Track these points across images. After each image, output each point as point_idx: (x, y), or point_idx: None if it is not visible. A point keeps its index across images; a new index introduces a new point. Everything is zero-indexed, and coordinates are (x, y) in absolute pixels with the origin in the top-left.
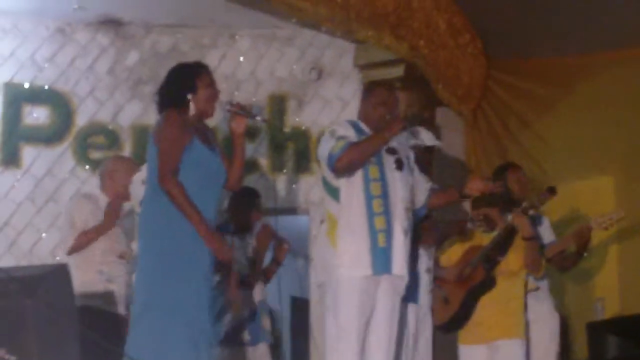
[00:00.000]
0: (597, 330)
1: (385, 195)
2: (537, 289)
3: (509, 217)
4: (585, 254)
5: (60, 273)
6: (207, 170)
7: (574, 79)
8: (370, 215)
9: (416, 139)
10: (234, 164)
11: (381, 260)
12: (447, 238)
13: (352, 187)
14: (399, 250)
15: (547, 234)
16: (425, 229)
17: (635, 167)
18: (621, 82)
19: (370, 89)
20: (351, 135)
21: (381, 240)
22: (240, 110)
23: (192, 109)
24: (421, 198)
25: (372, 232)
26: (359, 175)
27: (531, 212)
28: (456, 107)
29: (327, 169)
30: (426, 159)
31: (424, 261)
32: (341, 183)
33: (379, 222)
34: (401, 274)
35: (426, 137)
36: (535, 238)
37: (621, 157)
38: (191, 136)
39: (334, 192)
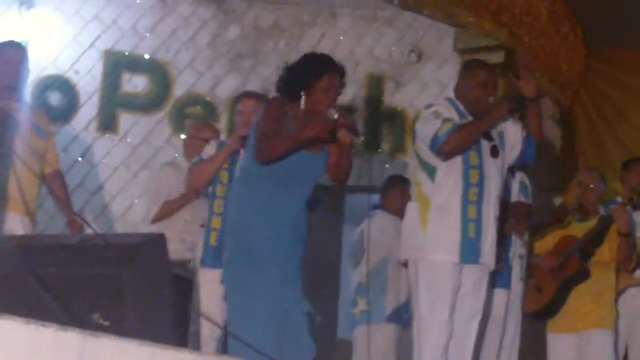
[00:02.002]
0: None
1: (481, 184)
2: None
3: (602, 209)
4: None
5: (157, 242)
6: (290, 166)
7: None
8: (465, 202)
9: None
10: (339, 165)
11: (469, 251)
12: (545, 226)
13: (451, 171)
14: (487, 240)
15: None
16: (517, 215)
17: None
18: None
19: (469, 67)
20: (454, 117)
21: (471, 230)
22: (347, 124)
23: (302, 104)
24: (516, 146)
25: (465, 221)
26: (459, 160)
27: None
28: (554, 96)
29: (429, 150)
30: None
31: (517, 247)
32: (440, 163)
33: (472, 212)
34: (488, 263)
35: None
36: (631, 234)
37: None
38: (285, 126)
39: (431, 172)
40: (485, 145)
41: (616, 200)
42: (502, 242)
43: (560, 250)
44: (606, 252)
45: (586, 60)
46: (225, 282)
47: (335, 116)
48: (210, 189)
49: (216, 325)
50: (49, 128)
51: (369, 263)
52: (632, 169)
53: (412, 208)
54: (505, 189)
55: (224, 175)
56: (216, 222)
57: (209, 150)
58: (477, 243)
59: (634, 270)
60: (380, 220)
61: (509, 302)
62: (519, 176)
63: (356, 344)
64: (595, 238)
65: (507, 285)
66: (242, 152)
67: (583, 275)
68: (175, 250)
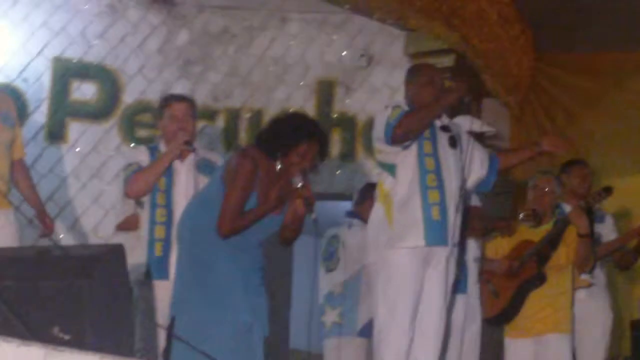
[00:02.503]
0: None
1: (438, 171)
2: (590, 285)
3: (558, 212)
4: None
5: (116, 253)
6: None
7: (622, 74)
8: (424, 188)
9: (465, 125)
10: (289, 228)
11: (435, 232)
12: (494, 232)
13: (407, 163)
14: (454, 223)
15: (608, 231)
16: (475, 219)
17: None
18: None
19: (413, 70)
20: (404, 106)
21: (435, 213)
22: (307, 201)
23: (278, 165)
24: (482, 169)
25: (426, 205)
26: (413, 151)
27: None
28: (503, 99)
29: (384, 141)
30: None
31: (473, 251)
32: (397, 159)
33: (433, 196)
34: (453, 247)
35: (477, 124)
36: (590, 235)
37: None
38: (253, 187)
39: (391, 169)
40: (443, 136)
41: (561, 205)
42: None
43: (517, 254)
44: (563, 255)
45: (536, 64)
46: (175, 303)
47: (299, 185)
48: (148, 198)
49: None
50: (15, 115)
51: (344, 273)
52: (572, 171)
53: (377, 209)
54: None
55: (162, 182)
56: (160, 232)
57: (141, 156)
58: (444, 225)
59: (591, 271)
60: (359, 231)
61: (468, 307)
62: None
63: (326, 356)
64: (552, 242)
65: (463, 290)
66: (189, 166)
67: (540, 279)
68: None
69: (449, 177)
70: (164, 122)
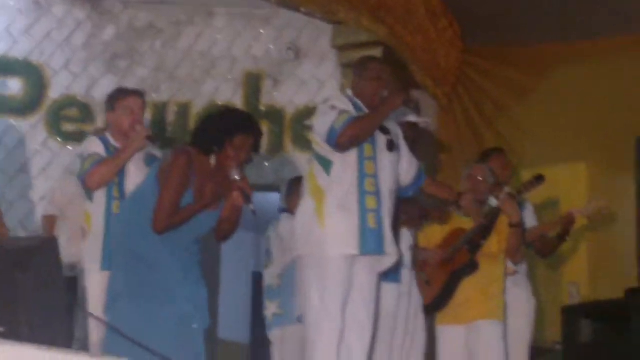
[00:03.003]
0: (572, 314)
1: (376, 175)
2: (514, 272)
3: (493, 201)
4: (566, 239)
5: (50, 245)
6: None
7: (550, 66)
8: (362, 193)
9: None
10: (226, 222)
11: (371, 241)
12: (427, 220)
13: (347, 164)
14: (388, 230)
15: (529, 219)
16: (408, 211)
17: (609, 154)
18: (597, 71)
19: (363, 63)
20: (351, 110)
21: (371, 220)
22: (245, 193)
23: (213, 161)
24: (408, 177)
25: (363, 211)
26: (353, 152)
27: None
28: (432, 91)
29: (324, 143)
30: (411, 136)
31: (406, 239)
32: (335, 158)
33: (370, 202)
34: (390, 253)
35: (413, 116)
36: (521, 225)
37: (595, 143)
38: (188, 184)
39: (326, 165)
40: (381, 138)
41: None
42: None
43: (449, 243)
44: (494, 244)
45: (463, 56)
46: (110, 297)
47: (237, 178)
48: (102, 191)
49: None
50: None
51: (279, 266)
52: (491, 159)
53: (306, 203)
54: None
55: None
56: None
57: (95, 147)
58: (380, 232)
59: (521, 262)
60: (287, 224)
61: (402, 295)
62: (416, 165)
63: (274, 346)
64: (484, 230)
65: (397, 279)
66: (138, 159)
67: (472, 267)
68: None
69: (385, 181)
70: (117, 115)
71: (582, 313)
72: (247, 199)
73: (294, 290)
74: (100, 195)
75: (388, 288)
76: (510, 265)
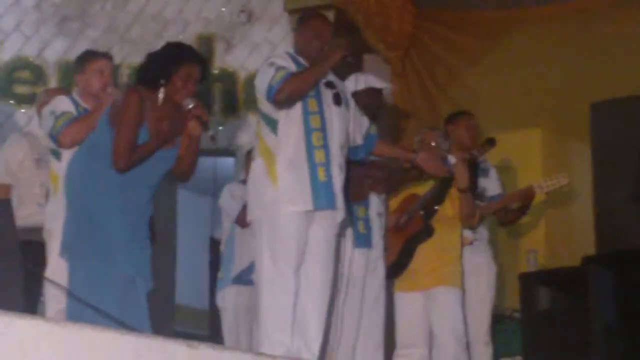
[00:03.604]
0: (529, 281)
1: (324, 129)
2: (471, 242)
3: (452, 159)
4: (526, 213)
5: (2, 208)
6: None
7: (504, 32)
8: (310, 148)
9: (366, 81)
10: (184, 159)
11: (322, 195)
12: (403, 184)
13: (291, 120)
14: (338, 185)
15: (493, 186)
16: (373, 174)
17: (562, 120)
18: (550, 36)
19: (303, 20)
20: (291, 67)
21: (321, 174)
22: (200, 118)
23: (161, 94)
24: (357, 137)
25: (312, 166)
26: (298, 108)
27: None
28: (384, 55)
29: (266, 101)
30: (376, 101)
31: (375, 205)
32: (280, 115)
33: (319, 156)
34: (340, 208)
35: (375, 80)
36: (471, 190)
37: (549, 109)
38: (142, 122)
39: (272, 124)
40: (327, 93)
41: (447, 158)
42: (362, 202)
43: (403, 209)
44: (449, 209)
45: (416, 20)
46: (63, 243)
47: (190, 106)
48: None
49: (61, 289)
50: None
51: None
52: (458, 122)
53: (257, 165)
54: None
55: None
56: None
57: (66, 106)
58: (330, 186)
59: (477, 228)
60: (231, 188)
61: (369, 261)
62: (367, 126)
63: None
64: (437, 195)
65: (367, 244)
66: None
67: (427, 232)
68: (31, 214)
69: (332, 135)
70: (87, 77)
71: (540, 280)
72: (204, 125)
73: (232, 254)
74: (69, 154)
75: (358, 252)
76: (466, 235)
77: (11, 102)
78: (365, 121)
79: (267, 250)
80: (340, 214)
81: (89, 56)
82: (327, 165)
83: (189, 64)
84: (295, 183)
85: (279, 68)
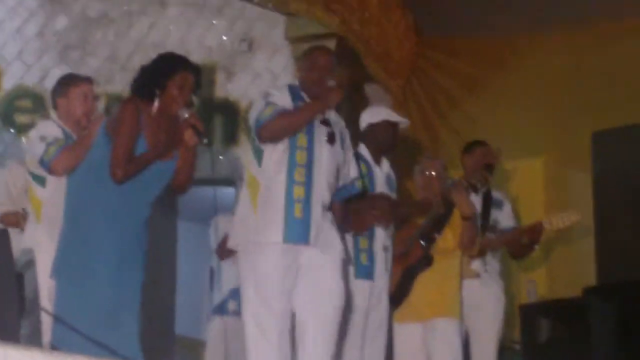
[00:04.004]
0: (529, 312)
1: (309, 166)
2: (479, 275)
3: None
4: (535, 248)
5: (0, 239)
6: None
7: (505, 59)
8: (290, 183)
9: (382, 115)
10: (181, 171)
11: (296, 230)
12: (411, 217)
13: (276, 153)
14: (317, 221)
15: (506, 218)
16: (380, 207)
17: (564, 149)
18: (552, 65)
19: (308, 52)
20: (285, 101)
21: (297, 210)
22: (195, 127)
23: (156, 104)
24: (341, 181)
25: (289, 201)
26: (285, 141)
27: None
28: (385, 83)
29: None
30: (391, 135)
31: (381, 238)
32: (266, 147)
33: (298, 192)
34: (321, 246)
35: (391, 114)
36: (473, 218)
37: (551, 139)
38: (139, 133)
39: (259, 155)
40: (322, 130)
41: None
42: (366, 234)
43: (403, 237)
44: (449, 238)
45: (417, 49)
46: (55, 264)
47: (186, 115)
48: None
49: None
50: None
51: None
52: (475, 152)
53: (243, 196)
54: (370, 180)
55: None
56: None
57: (53, 131)
58: (307, 223)
59: (475, 257)
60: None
61: (373, 294)
62: (385, 168)
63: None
64: (437, 224)
65: (369, 276)
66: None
67: (426, 262)
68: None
69: (319, 172)
70: (69, 101)
71: (540, 312)
72: (200, 135)
73: (215, 284)
74: (54, 181)
75: (358, 283)
76: (475, 267)
77: (12, 130)
78: (354, 168)
79: (250, 279)
80: (335, 250)
81: (72, 80)
82: (305, 202)
83: (183, 72)
84: (271, 212)
85: (269, 103)
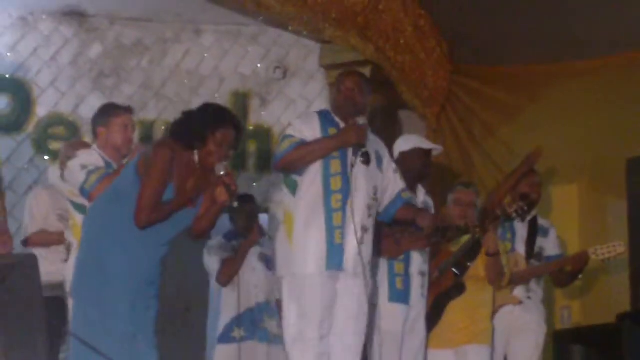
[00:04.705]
0: (563, 338)
1: (344, 191)
2: (520, 302)
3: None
4: (579, 277)
5: (28, 263)
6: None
7: (539, 87)
8: (329, 211)
9: (414, 142)
10: (204, 218)
11: (336, 257)
12: (450, 241)
13: (310, 182)
14: (352, 247)
15: (552, 246)
16: (387, 237)
17: (599, 176)
18: (586, 92)
19: (340, 76)
20: (308, 132)
21: (337, 237)
22: (229, 187)
23: (196, 157)
24: (386, 200)
25: (330, 229)
26: (318, 169)
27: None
28: (420, 111)
29: None
30: (423, 162)
31: (417, 263)
32: (300, 178)
33: (337, 218)
34: (353, 271)
35: (423, 142)
36: (497, 255)
37: (586, 166)
38: (170, 178)
39: (292, 187)
40: (355, 151)
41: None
42: (402, 258)
43: (435, 264)
44: (481, 267)
45: (452, 76)
46: (73, 283)
47: (222, 172)
48: None
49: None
50: None
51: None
52: (522, 180)
53: (280, 227)
54: None
55: None
56: None
57: (95, 160)
58: (342, 249)
59: (508, 285)
60: (209, 244)
61: (408, 319)
62: (421, 196)
63: None
64: (469, 253)
65: (405, 300)
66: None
67: (458, 289)
68: (58, 271)
69: (358, 195)
70: (111, 131)
71: (574, 338)
72: (232, 195)
73: (218, 312)
74: None
75: (392, 307)
76: (516, 294)
77: (46, 158)
78: (399, 184)
79: (292, 308)
80: (359, 276)
81: (113, 110)
82: (343, 227)
83: (224, 128)
84: (309, 246)
85: (287, 137)
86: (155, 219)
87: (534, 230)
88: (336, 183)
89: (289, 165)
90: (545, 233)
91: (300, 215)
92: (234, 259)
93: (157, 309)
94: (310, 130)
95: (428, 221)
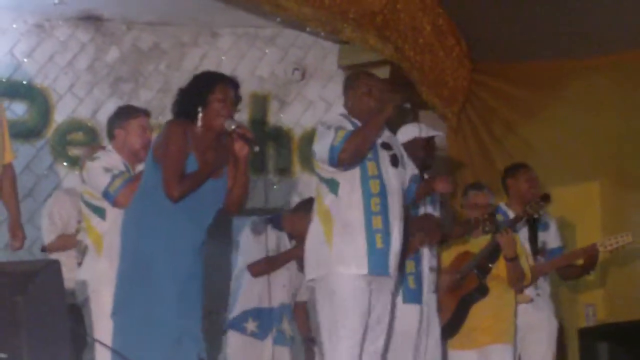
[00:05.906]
0: (589, 336)
1: (382, 194)
2: (532, 300)
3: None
4: (591, 273)
5: (52, 269)
6: (194, 193)
7: (560, 83)
8: (369, 214)
9: (413, 132)
10: (235, 188)
11: (378, 261)
12: (457, 237)
13: (351, 184)
14: (395, 251)
15: (553, 238)
16: (428, 228)
17: (621, 173)
18: (608, 88)
19: (354, 78)
20: (348, 127)
21: (379, 240)
22: (245, 137)
23: (200, 122)
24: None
25: (370, 232)
26: (357, 172)
27: (538, 215)
28: (440, 110)
29: (327, 163)
30: (425, 150)
31: (427, 259)
32: (341, 178)
33: (377, 222)
34: (394, 275)
35: (424, 129)
36: (515, 259)
37: (607, 163)
38: (188, 152)
39: (333, 186)
40: (384, 154)
41: (500, 209)
42: (412, 256)
43: (457, 267)
44: (503, 267)
45: (471, 75)
46: (116, 301)
47: (233, 126)
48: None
49: (110, 350)
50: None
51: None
52: (517, 175)
53: (314, 226)
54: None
55: None
56: None
57: (117, 164)
58: (387, 253)
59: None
60: (256, 227)
61: (422, 318)
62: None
63: None
64: (491, 254)
65: (418, 300)
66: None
67: (482, 291)
68: (72, 277)
69: (393, 198)
70: (128, 134)
71: (599, 335)
72: (250, 143)
73: (237, 296)
74: (114, 213)
75: (407, 307)
76: (527, 293)
77: (65, 164)
78: (414, 171)
79: (327, 314)
80: (393, 278)
81: (130, 112)
82: (384, 231)
83: (221, 85)
84: (351, 246)
85: (339, 128)
86: (186, 188)
87: (534, 226)
88: (375, 186)
89: (354, 154)
90: (546, 227)
91: (341, 217)
92: (275, 259)
93: (203, 305)
94: (349, 127)
95: (445, 184)
